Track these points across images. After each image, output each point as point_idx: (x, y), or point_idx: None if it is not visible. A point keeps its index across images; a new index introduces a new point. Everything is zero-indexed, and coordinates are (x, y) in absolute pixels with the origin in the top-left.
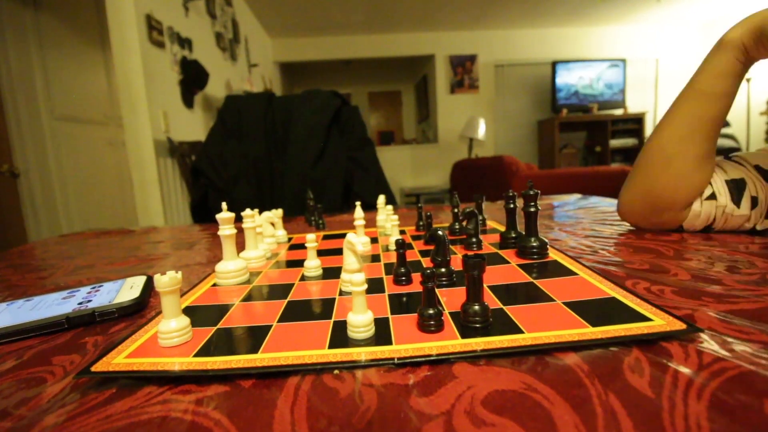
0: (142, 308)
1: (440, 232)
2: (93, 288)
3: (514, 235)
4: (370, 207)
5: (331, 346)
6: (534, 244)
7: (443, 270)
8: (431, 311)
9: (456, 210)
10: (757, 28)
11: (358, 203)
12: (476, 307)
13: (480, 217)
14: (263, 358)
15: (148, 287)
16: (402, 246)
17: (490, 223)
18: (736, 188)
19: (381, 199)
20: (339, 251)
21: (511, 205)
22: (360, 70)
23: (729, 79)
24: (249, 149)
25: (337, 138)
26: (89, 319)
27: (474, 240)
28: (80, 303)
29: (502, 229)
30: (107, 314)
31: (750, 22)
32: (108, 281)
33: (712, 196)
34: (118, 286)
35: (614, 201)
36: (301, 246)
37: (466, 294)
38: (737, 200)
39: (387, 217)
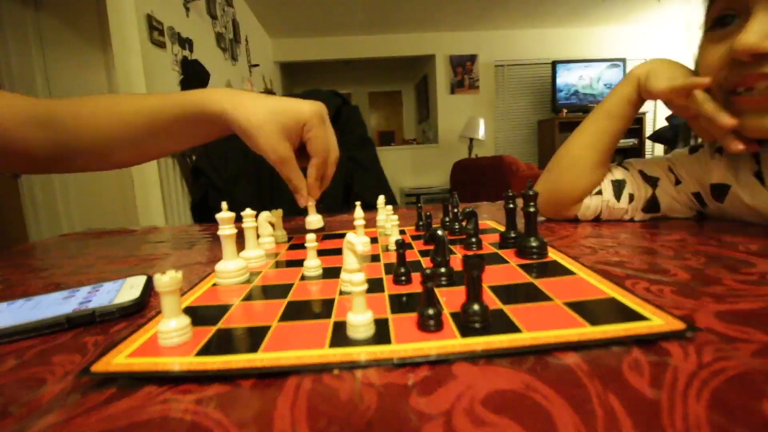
0: (142, 308)
1: (440, 232)
2: (93, 288)
3: (513, 235)
4: (370, 207)
5: (331, 346)
6: (533, 243)
7: (443, 270)
8: (431, 311)
9: (456, 210)
10: (647, 74)
11: (358, 203)
12: (476, 307)
13: (456, 210)
14: (263, 357)
15: (148, 287)
16: (402, 246)
17: (490, 223)
18: (618, 186)
19: (381, 199)
20: (339, 251)
21: (511, 205)
22: (360, 70)
23: (628, 106)
24: (249, 149)
25: (338, 138)
26: (89, 320)
27: (474, 240)
28: (80, 303)
29: (502, 228)
30: (107, 314)
31: (647, 66)
32: (108, 281)
33: (599, 192)
34: (118, 286)
35: None
36: (301, 246)
37: (465, 294)
38: (617, 196)
39: (387, 217)
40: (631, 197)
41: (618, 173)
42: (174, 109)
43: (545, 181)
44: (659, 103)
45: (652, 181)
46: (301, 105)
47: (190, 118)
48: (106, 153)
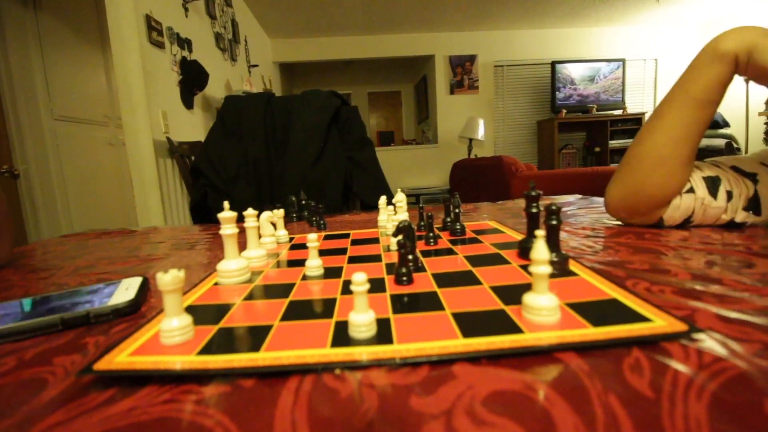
0: (137, 310)
1: (408, 223)
2: (89, 289)
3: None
4: (369, 207)
5: (333, 346)
6: None
7: (410, 257)
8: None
9: (458, 210)
10: (749, 48)
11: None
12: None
13: (457, 211)
14: (265, 357)
15: (144, 289)
16: (403, 246)
17: (491, 223)
18: (712, 183)
19: (383, 199)
20: (340, 251)
21: (534, 210)
22: (360, 71)
23: (722, 89)
24: (248, 149)
25: (337, 138)
26: (84, 321)
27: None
28: (75, 304)
29: (503, 229)
30: (102, 316)
31: (744, 39)
32: (105, 282)
33: (691, 190)
34: (114, 288)
35: None
36: (302, 246)
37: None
38: (714, 193)
39: (388, 217)
40: (729, 195)
41: (707, 170)
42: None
43: (623, 184)
44: (659, 103)
45: (751, 177)
46: None
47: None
48: None
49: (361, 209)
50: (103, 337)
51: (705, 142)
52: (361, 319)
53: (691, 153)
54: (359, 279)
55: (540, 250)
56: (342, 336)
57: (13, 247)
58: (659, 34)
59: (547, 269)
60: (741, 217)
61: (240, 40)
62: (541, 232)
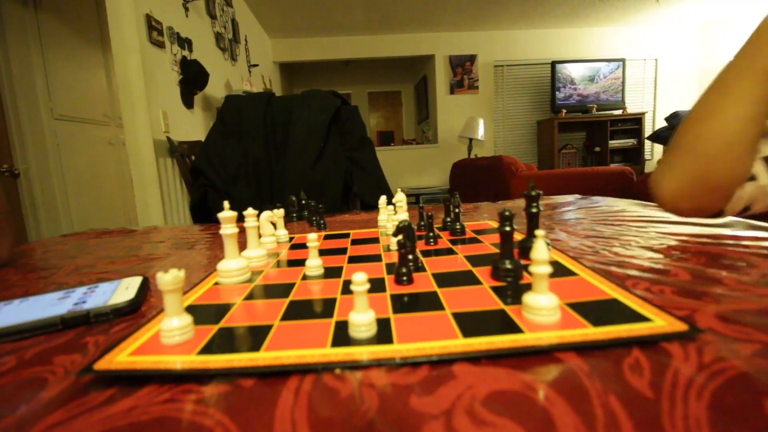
0: (137, 309)
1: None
2: (89, 289)
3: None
4: (369, 207)
5: (333, 345)
6: None
7: (410, 256)
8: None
9: (458, 210)
10: None
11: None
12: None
13: (457, 210)
14: (265, 357)
15: (144, 288)
16: (403, 246)
17: (491, 223)
18: None
19: (383, 199)
20: (340, 251)
21: (534, 210)
22: (360, 70)
23: None
24: (249, 149)
25: (337, 138)
26: (84, 320)
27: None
28: (75, 304)
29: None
30: (102, 315)
31: None
32: (105, 282)
33: (752, 177)
34: (114, 287)
35: (615, 201)
36: (303, 246)
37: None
38: None
39: (388, 217)
40: None
41: (765, 147)
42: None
43: (684, 171)
44: (659, 103)
45: None
46: None
47: None
48: None
49: (361, 209)
50: (103, 337)
51: None
52: (362, 318)
53: (760, 134)
54: (359, 279)
55: (540, 250)
56: (342, 336)
57: (13, 245)
58: (659, 34)
59: (548, 269)
60: None
61: (240, 40)
62: (540, 232)
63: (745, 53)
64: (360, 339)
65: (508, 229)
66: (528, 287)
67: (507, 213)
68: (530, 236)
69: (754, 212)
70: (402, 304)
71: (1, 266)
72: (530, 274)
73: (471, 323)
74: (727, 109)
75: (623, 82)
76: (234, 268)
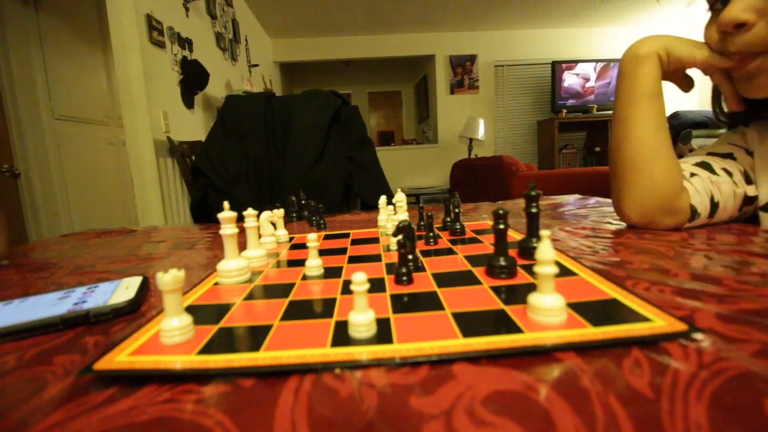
0: (137, 309)
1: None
2: (89, 288)
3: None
4: (369, 207)
5: (333, 345)
6: (536, 245)
7: (410, 256)
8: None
9: (458, 210)
10: (665, 47)
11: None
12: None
13: (457, 210)
14: (265, 357)
15: (144, 288)
16: (403, 245)
17: (491, 223)
18: (706, 167)
19: (383, 199)
20: (340, 251)
21: (534, 210)
22: (360, 70)
23: (660, 82)
24: (249, 149)
25: (337, 138)
26: (83, 320)
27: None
28: (75, 304)
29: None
30: (102, 315)
31: (656, 42)
32: (105, 282)
33: (693, 175)
34: (114, 287)
35: None
36: (302, 246)
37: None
38: (713, 172)
39: (388, 217)
40: (727, 172)
41: (692, 160)
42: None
43: (633, 188)
44: None
45: (729, 156)
46: None
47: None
48: None
49: (361, 209)
50: (103, 337)
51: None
52: (361, 318)
53: (669, 140)
54: (359, 279)
55: (545, 250)
56: (342, 336)
57: (9, 241)
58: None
59: (553, 269)
60: (751, 190)
61: (240, 40)
62: (546, 232)
63: (624, 89)
64: (360, 339)
65: (502, 227)
66: (526, 286)
67: (501, 211)
68: (530, 236)
69: (720, 209)
70: (402, 304)
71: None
72: (533, 274)
73: (471, 323)
74: (635, 131)
75: None
76: (234, 268)
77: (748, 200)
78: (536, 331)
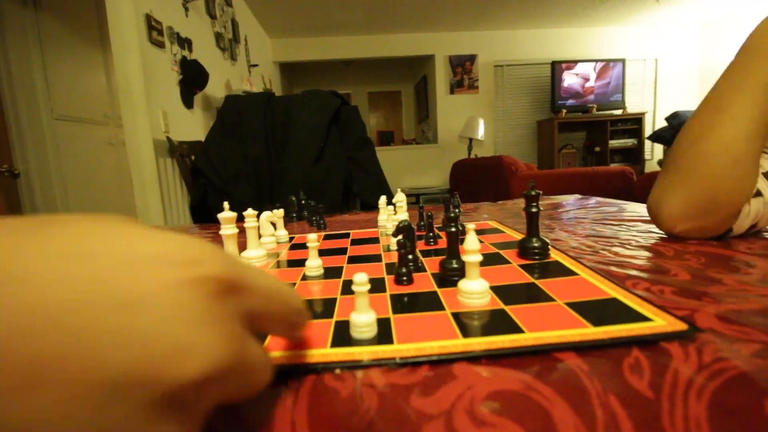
0: None
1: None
2: None
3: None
4: (369, 207)
5: (332, 346)
6: (536, 244)
7: (410, 256)
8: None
9: (458, 210)
10: None
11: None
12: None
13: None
14: None
15: None
16: (403, 246)
17: (491, 223)
18: None
19: (383, 199)
20: (340, 251)
21: (534, 209)
22: (360, 70)
23: None
24: (248, 149)
25: (337, 138)
26: None
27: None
28: None
29: (504, 229)
30: None
31: None
32: None
33: (758, 194)
34: None
35: (614, 201)
36: (302, 246)
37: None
38: None
39: (388, 217)
40: None
41: (764, 161)
42: None
43: (687, 191)
44: (659, 103)
45: None
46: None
47: None
48: None
49: (361, 209)
50: None
51: None
52: (363, 319)
53: (761, 150)
54: (360, 279)
55: (471, 241)
56: (342, 336)
57: None
58: (659, 34)
59: (478, 258)
60: None
61: (240, 40)
62: (471, 225)
63: (739, 66)
64: (361, 339)
65: (453, 229)
66: (526, 286)
67: (452, 215)
68: (530, 236)
69: (759, 229)
70: (402, 304)
71: None
72: (533, 274)
73: (471, 323)
74: (726, 127)
75: (623, 82)
76: None
77: None
78: (536, 331)
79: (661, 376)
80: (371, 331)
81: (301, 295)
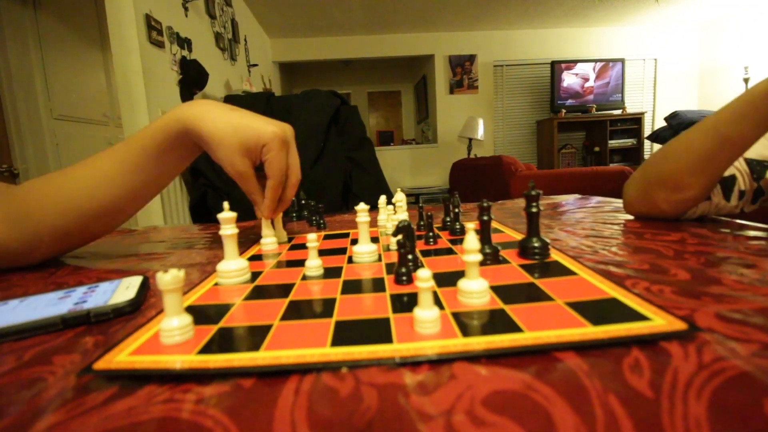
0: (137, 309)
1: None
2: (89, 288)
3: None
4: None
5: (332, 345)
6: (536, 244)
7: (410, 256)
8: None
9: (458, 210)
10: None
11: (361, 205)
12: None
13: (457, 210)
14: (265, 356)
15: (144, 287)
16: (403, 245)
17: (493, 224)
18: (727, 186)
19: (382, 199)
20: (340, 251)
21: (534, 209)
22: (360, 70)
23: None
24: None
25: (336, 138)
26: (84, 320)
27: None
28: (76, 303)
29: (504, 229)
30: (102, 315)
31: None
32: (105, 281)
33: (707, 198)
34: (114, 287)
35: (614, 201)
36: (302, 246)
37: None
38: (728, 196)
39: (388, 217)
40: (741, 194)
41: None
42: (156, 135)
43: (644, 176)
44: (658, 103)
45: (763, 166)
46: (264, 126)
47: (172, 139)
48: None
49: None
50: (102, 337)
51: None
52: (427, 315)
53: (723, 162)
54: (424, 275)
55: (471, 241)
56: (342, 335)
57: None
58: (659, 34)
59: (477, 257)
60: (749, 208)
61: (240, 40)
62: (471, 225)
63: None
64: (425, 335)
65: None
66: (526, 286)
67: (485, 205)
68: (530, 236)
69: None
70: (401, 304)
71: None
72: (533, 274)
73: (470, 323)
74: (692, 132)
75: (623, 82)
76: (234, 268)
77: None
78: (536, 331)
79: (660, 376)
80: (435, 327)
81: (301, 295)
